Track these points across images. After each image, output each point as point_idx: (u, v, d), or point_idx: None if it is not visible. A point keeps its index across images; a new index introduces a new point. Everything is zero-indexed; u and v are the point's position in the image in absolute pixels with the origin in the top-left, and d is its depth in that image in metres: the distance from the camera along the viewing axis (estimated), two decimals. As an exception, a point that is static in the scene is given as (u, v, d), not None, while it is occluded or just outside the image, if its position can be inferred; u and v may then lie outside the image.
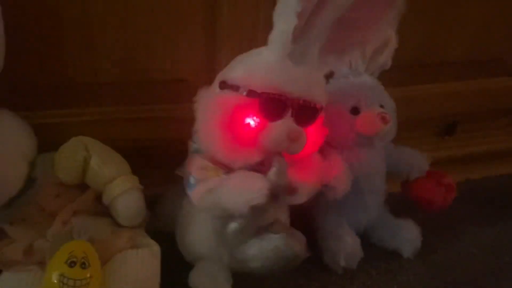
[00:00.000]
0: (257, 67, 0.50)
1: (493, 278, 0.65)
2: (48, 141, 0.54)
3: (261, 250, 0.49)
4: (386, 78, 0.65)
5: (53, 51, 0.56)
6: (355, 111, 0.60)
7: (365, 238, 0.68)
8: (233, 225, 0.51)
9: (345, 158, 0.61)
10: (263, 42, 0.60)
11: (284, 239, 0.49)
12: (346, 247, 0.63)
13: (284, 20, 0.46)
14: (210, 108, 0.50)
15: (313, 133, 0.53)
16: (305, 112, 0.50)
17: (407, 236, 0.67)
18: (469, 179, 0.87)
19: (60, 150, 0.54)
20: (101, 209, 0.56)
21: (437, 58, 0.73)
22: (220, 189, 0.49)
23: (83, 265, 0.47)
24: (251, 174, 0.49)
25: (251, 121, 0.49)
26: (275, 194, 0.49)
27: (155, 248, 0.55)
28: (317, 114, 0.52)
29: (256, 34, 0.61)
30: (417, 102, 0.75)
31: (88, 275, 0.47)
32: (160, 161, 0.59)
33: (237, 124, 0.49)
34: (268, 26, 0.59)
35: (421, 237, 0.67)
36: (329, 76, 0.63)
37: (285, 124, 0.49)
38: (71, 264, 0.47)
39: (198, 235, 0.57)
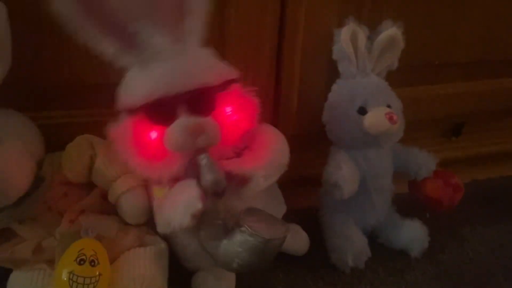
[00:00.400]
0: (128, 84, 0.48)
1: (501, 277, 0.65)
2: (55, 141, 0.54)
3: (232, 249, 0.48)
4: (393, 78, 0.65)
5: (62, 51, 0.56)
6: (362, 111, 0.60)
7: (373, 238, 0.68)
8: (201, 234, 0.51)
9: (352, 157, 0.62)
10: (269, 48, 0.62)
11: (246, 230, 0.47)
12: (353, 247, 0.63)
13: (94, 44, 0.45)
14: (118, 138, 0.49)
15: (235, 114, 0.50)
16: (198, 101, 0.47)
17: (414, 236, 0.67)
18: (475, 180, 0.86)
19: (67, 149, 0.54)
20: (108, 207, 0.56)
21: (444, 58, 0.72)
22: (162, 209, 0.50)
23: (92, 263, 0.48)
24: (182, 183, 0.48)
25: (153, 134, 0.48)
26: (217, 191, 0.48)
27: (163, 246, 0.56)
28: (213, 96, 0.48)
29: (264, 36, 0.61)
30: (424, 102, 0.75)
31: (97, 273, 0.48)
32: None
33: (143, 143, 0.48)
34: (274, 32, 0.61)
35: (429, 237, 0.67)
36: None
37: (179, 123, 0.46)
38: (81, 262, 0.47)
39: (185, 248, 0.56)
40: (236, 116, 0.50)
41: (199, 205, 0.46)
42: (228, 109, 0.50)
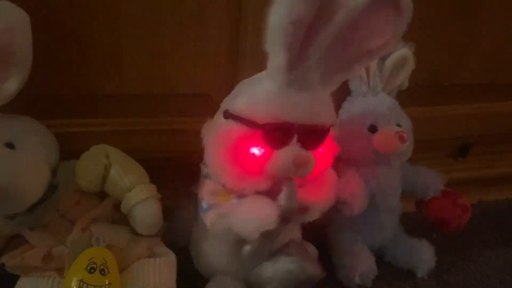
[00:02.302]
0: (258, 97, 0.49)
1: (508, 300, 0.65)
2: (70, 149, 0.55)
3: (275, 273, 0.50)
4: (403, 98, 0.66)
5: (80, 61, 0.57)
6: (372, 129, 0.61)
7: (380, 257, 0.68)
8: (247, 248, 0.52)
9: (362, 175, 0.62)
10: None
11: (297, 262, 0.50)
12: (361, 265, 0.63)
13: (275, 54, 0.45)
14: (216, 139, 0.50)
15: (324, 153, 0.52)
16: (311, 136, 0.49)
17: (421, 256, 0.67)
18: (481, 201, 0.86)
19: (82, 157, 0.55)
20: (119, 217, 0.56)
21: (453, 80, 0.74)
22: (231, 215, 0.50)
23: (103, 272, 0.48)
24: (261, 200, 0.49)
25: (256, 151, 0.49)
26: (286, 217, 0.49)
27: (172, 257, 0.56)
28: (324, 136, 0.51)
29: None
30: (432, 122, 0.76)
31: (107, 282, 0.48)
32: (178, 174, 0.60)
33: (243, 154, 0.49)
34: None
35: (436, 257, 0.67)
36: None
37: (290, 151, 0.48)
38: (91, 270, 0.48)
39: (214, 253, 0.57)
40: (324, 157, 0.52)
41: (273, 226, 0.47)
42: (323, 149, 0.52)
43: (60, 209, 0.53)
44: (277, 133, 0.48)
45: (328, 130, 0.51)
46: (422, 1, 0.64)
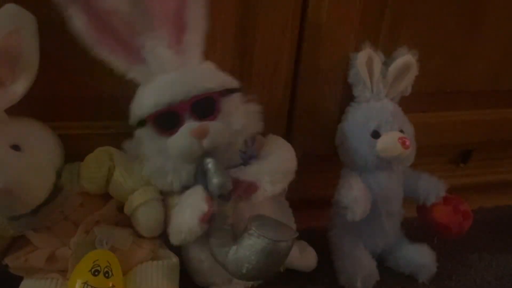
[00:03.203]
0: (135, 99, 0.52)
1: (508, 307, 0.65)
2: (74, 151, 0.55)
3: (241, 253, 0.49)
4: (406, 104, 0.66)
5: (85, 64, 0.57)
6: (375, 134, 0.61)
7: (381, 262, 0.68)
8: (211, 241, 0.51)
9: (365, 180, 0.62)
10: (286, 68, 0.63)
11: (254, 233, 0.48)
12: (363, 269, 0.63)
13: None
14: (136, 149, 0.53)
15: (228, 118, 0.51)
16: (201, 106, 0.49)
17: (422, 261, 0.67)
18: (482, 207, 0.87)
19: (86, 159, 0.55)
20: (122, 219, 0.57)
21: (457, 86, 0.74)
22: (172, 217, 0.51)
23: (107, 274, 0.48)
24: (190, 190, 0.51)
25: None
26: (225, 195, 0.49)
27: (175, 260, 0.56)
28: (216, 100, 0.50)
29: (282, 56, 0.62)
30: (434, 128, 0.76)
31: (111, 284, 0.48)
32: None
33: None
34: (294, 48, 0.62)
35: (437, 263, 0.67)
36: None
37: (184, 127, 0.49)
38: (95, 273, 0.48)
39: (197, 262, 0.57)
40: (239, 121, 0.52)
41: (205, 207, 0.48)
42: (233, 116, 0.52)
43: (64, 211, 0.53)
44: (164, 120, 0.49)
45: (219, 94, 0.50)
46: (426, 8, 0.65)
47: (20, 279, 0.53)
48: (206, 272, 0.57)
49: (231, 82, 0.53)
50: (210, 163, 0.49)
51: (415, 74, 0.65)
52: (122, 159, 0.55)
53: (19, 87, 0.50)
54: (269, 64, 0.62)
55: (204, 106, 0.50)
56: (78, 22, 0.46)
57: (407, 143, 0.59)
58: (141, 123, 0.51)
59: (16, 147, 0.48)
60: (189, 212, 0.49)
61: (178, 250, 0.58)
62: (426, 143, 0.68)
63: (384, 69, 0.63)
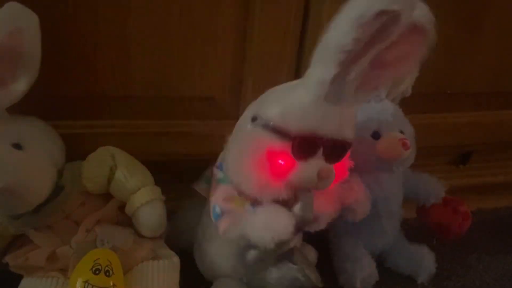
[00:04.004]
0: (292, 108, 0.48)
1: (507, 308, 0.66)
2: (76, 150, 0.55)
3: (280, 280, 0.50)
4: (406, 105, 0.66)
5: (87, 63, 0.57)
6: (376, 135, 0.61)
7: (380, 262, 0.68)
8: (253, 253, 0.52)
9: (365, 181, 0.62)
10: (288, 67, 0.63)
11: (302, 270, 0.50)
12: (362, 270, 0.63)
13: (323, 68, 0.44)
14: (243, 146, 0.51)
15: (340, 167, 0.52)
16: (335, 150, 0.49)
17: (422, 262, 0.67)
18: (481, 209, 0.87)
19: (88, 159, 0.55)
20: (123, 219, 0.57)
21: (457, 88, 0.74)
22: (246, 223, 0.50)
23: (107, 273, 0.48)
24: (277, 209, 0.49)
25: (281, 160, 0.48)
26: (299, 227, 0.49)
27: (175, 259, 0.56)
28: (346, 151, 0.51)
29: (283, 59, 0.63)
30: (434, 130, 0.76)
31: (112, 283, 0.48)
32: (183, 176, 0.60)
33: (269, 164, 0.48)
34: (294, 52, 0.63)
35: (436, 263, 0.68)
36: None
37: (316, 164, 0.48)
38: (96, 272, 0.48)
39: (219, 255, 0.57)
40: (340, 170, 0.52)
41: (288, 237, 0.47)
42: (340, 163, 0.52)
43: (65, 210, 0.53)
44: (307, 146, 0.48)
45: (350, 145, 0.51)
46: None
47: (20, 278, 0.53)
48: (221, 268, 0.57)
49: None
50: (307, 197, 0.49)
51: (416, 75, 0.65)
52: (124, 159, 0.55)
53: (21, 86, 0.50)
54: (270, 67, 0.62)
55: (338, 150, 0.50)
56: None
57: (407, 144, 0.59)
58: (282, 134, 0.48)
59: (17, 146, 0.48)
60: (272, 233, 0.47)
61: (179, 250, 0.58)
62: (426, 144, 0.68)
63: (385, 70, 0.63)
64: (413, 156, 0.64)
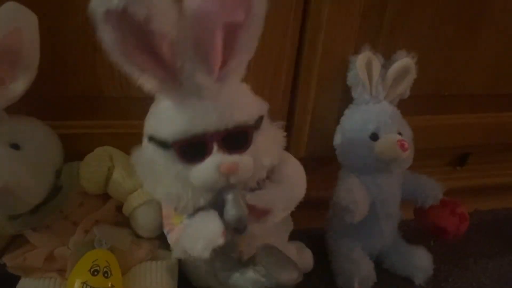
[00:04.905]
0: (160, 116, 0.47)
1: (504, 309, 0.66)
2: (74, 151, 0.55)
3: (243, 284, 0.49)
4: (404, 106, 0.66)
5: (85, 63, 0.57)
6: (374, 137, 0.62)
7: (378, 263, 0.68)
8: (216, 263, 0.51)
9: (363, 182, 0.63)
10: (286, 70, 0.63)
11: (261, 271, 0.48)
12: (360, 271, 0.63)
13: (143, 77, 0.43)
14: (142, 163, 0.48)
15: (258, 151, 0.48)
16: (232, 140, 0.45)
17: (419, 263, 0.67)
18: (477, 210, 0.87)
19: (86, 159, 0.55)
20: (121, 219, 0.57)
21: (454, 90, 0.74)
22: (182, 237, 0.49)
23: (106, 274, 0.48)
24: (206, 216, 0.47)
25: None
26: (240, 228, 0.47)
27: (174, 260, 0.56)
28: (247, 136, 0.47)
29: (282, 59, 0.62)
30: (432, 131, 0.77)
31: (110, 284, 0.48)
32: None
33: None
34: (294, 52, 0.63)
35: (433, 265, 0.68)
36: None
37: (211, 162, 0.44)
38: (94, 273, 0.48)
39: (195, 270, 0.57)
40: (269, 157, 0.49)
41: (220, 241, 0.45)
42: (263, 152, 0.48)
43: (63, 211, 0.53)
44: (190, 148, 0.45)
45: (250, 127, 0.47)
46: (425, 11, 0.65)
47: (18, 278, 0.53)
48: (201, 277, 0.57)
49: (263, 108, 0.49)
50: (231, 194, 0.47)
51: (414, 77, 0.65)
52: (122, 159, 0.55)
53: (19, 86, 0.50)
54: (269, 66, 0.62)
55: (236, 139, 0.46)
56: (109, 38, 0.40)
57: (406, 145, 0.60)
58: (160, 143, 0.46)
59: (15, 146, 0.48)
60: (204, 242, 0.45)
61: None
62: (424, 145, 0.69)
63: (383, 72, 0.64)
64: (411, 157, 0.65)
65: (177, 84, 0.44)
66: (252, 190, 0.49)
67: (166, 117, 0.46)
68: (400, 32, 0.66)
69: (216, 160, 0.44)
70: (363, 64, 0.62)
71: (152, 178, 0.48)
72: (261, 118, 0.48)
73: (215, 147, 0.45)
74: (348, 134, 0.64)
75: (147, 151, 0.48)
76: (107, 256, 0.50)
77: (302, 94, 0.66)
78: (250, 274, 0.48)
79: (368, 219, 0.62)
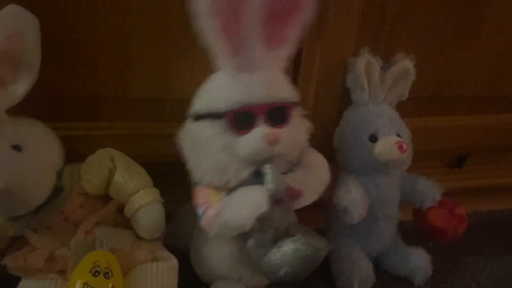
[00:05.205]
0: (215, 90, 0.52)
1: (502, 310, 0.66)
2: (75, 152, 0.55)
3: (283, 257, 0.50)
4: (403, 108, 0.67)
5: (85, 65, 0.58)
6: (373, 138, 0.62)
7: (377, 264, 0.69)
8: (250, 241, 0.52)
9: (362, 183, 0.63)
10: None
11: (300, 239, 0.50)
12: (359, 272, 0.63)
13: (212, 43, 0.48)
14: (189, 143, 0.53)
15: (294, 129, 0.54)
16: (276, 114, 0.51)
17: (418, 264, 0.67)
18: (476, 211, 0.88)
19: (87, 161, 0.55)
20: (122, 220, 0.57)
21: (453, 92, 0.75)
22: (224, 210, 0.50)
23: (107, 275, 0.48)
24: (248, 188, 0.51)
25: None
26: (278, 199, 0.50)
27: (174, 261, 0.56)
28: (288, 112, 0.52)
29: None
30: (430, 133, 0.77)
31: (111, 285, 0.48)
32: (181, 178, 0.60)
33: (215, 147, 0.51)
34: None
35: (432, 266, 0.68)
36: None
37: (258, 132, 0.49)
38: (95, 274, 0.48)
39: (216, 257, 0.58)
40: (302, 133, 0.55)
41: (264, 208, 0.48)
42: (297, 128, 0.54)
43: (64, 212, 0.53)
44: (240, 118, 0.50)
45: (290, 105, 0.53)
46: (424, 14, 0.66)
47: (18, 279, 0.53)
48: (220, 268, 0.58)
49: (297, 95, 0.55)
50: (270, 168, 0.50)
51: (413, 79, 0.66)
52: (123, 161, 0.56)
53: (20, 88, 0.50)
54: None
55: (279, 113, 0.51)
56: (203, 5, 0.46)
57: (404, 147, 0.60)
58: (208, 116, 0.51)
59: (17, 148, 0.48)
60: (249, 209, 0.48)
61: (177, 252, 0.58)
62: (422, 147, 0.69)
63: (382, 74, 0.64)
64: (409, 159, 0.65)
65: (239, 53, 0.49)
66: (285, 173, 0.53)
67: (222, 89, 0.51)
68: (399, 34, 0.66)
69: (262, 130, 0.49)
70: (362, 67, 0.62)
71: (198, 153, 0.52)
72: (295, 103, 0.54)
73: (261, 120, 0.50)
74: (347, 136, 0.64)
75: (193, 130, 0.53)
76: (108, 257, 0.50)
77: (301, 96, 0.66)
78: (289, 245, 0.50)
79: (367, 220, 0.63)
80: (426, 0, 0.64)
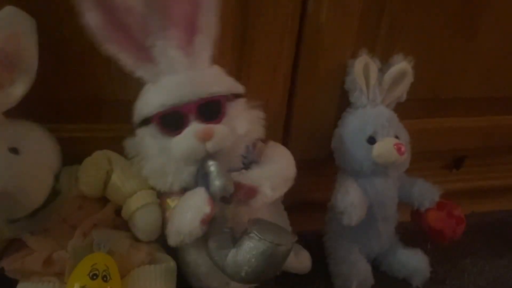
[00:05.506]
0: (143, 97, 0.52)
1: (501, 311, 0.66)
2: (72, 154, 0.55)
3: (241, 256, 0.48)
4: (401, 110, 0.67)
5: (84, 66, 0.57)
6: (371, 140, 0.62)
7: (376, 266, 0.69)
8: (210, 244, 0.51)
9: (361, 185, 0.63)
10: (284, 75, 0.64)
11: (255, 236, 0.48)
12: (358, 273, 0.64)
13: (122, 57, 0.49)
14: (136, 149, 0.53)
15: (235, 122, 0.52)
16: (207, 109, 0.50)
17: (416, 266, 0.68)
18: (474, 212, 0.88)
19: (84, 162, 0.55)
20: (120, 222, 0.57)
21: (451, 93, 0.75)
22: (173, 218, 0.51)
23: (105, 278, 0.48)
24: (191, 191, 0.51)
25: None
26: (225, 197, 0.49)
27: (172, 264, 0.56)
28: (220, 106, 0.51)
29: (281, 59, 0.63)
30: (428, 135, 0.77)
31: (109, 288, 0.48)
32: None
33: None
34: (292, 52, 0.63)
35: (430, 267, 0.68)
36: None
37: (189, 129, 0.49)
38: (93, 277, 0.48)
39: (194, 265, 0.57)
40: (243, 126, 0.52)
41: (207, 209, 0.48)
42: (237, 120, 0.52)
43: (61, 214, 0.53)
44: (169, 120, 0.50)
45: (225, 98, 0.51)
46: (422, 16, 0.66)
47: (16, 282, 0.53)
48: (203, 276, 0.57)
49: (237, 87, 0.54)
50: (212, 166, 0.49)
51: (411, 81, 0.66)
52: (120, 163, 0.55)
53: (18, 90, 0.50)
54: (267, 69, 0.62)
55: (210, 109, 0.50)
56: (92, 17, 0.47)
57: (403, 149, 0.60)
58: (144, 122, 0.52)
59: (14, 150, 0.48)
60: (191, 214, 0.48)
61: (175, 254, 0.58)
62: (421, 148, 0.69)
63: (380, 75, 0.64)
64: (408, 161, 0.65)
65: (151, 62, 0.49)
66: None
67: (147, 96, 0.51)
68: (397, 36, 0.66)
69: (192, 128, 0.49)
70: (360, 69, 0.62)
71: (142, 160, 0.53)
72: (234, 95, 0.53)
73: (192, 118, 0.49)
74: (346, 137, 0.64)
75: (137, 137, 0.53)
76: (106, 260, 0.50)
77: (300, 97, 0.66)
78: (246, 243, 0.48)
79: (365, 222, 0.63)
80: (425, 2, 0.64)
